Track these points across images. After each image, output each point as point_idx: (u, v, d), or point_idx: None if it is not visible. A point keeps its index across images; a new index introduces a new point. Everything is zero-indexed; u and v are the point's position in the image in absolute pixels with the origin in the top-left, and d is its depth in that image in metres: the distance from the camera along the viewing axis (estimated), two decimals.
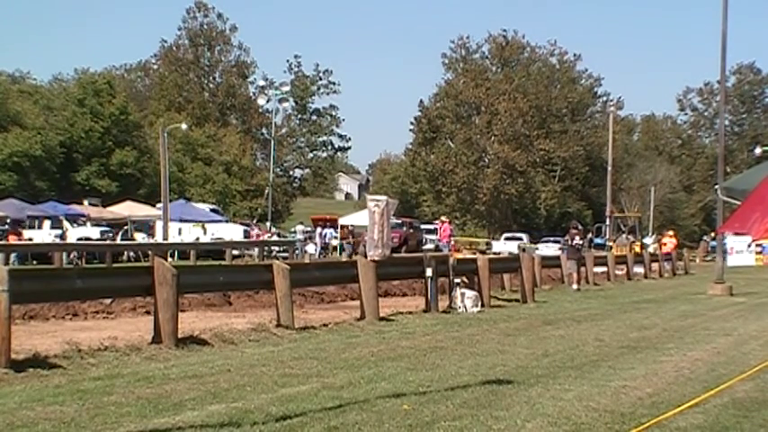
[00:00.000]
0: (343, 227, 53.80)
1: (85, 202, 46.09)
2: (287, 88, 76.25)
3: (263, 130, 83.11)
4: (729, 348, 11.65)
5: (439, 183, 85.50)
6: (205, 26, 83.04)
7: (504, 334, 12.83)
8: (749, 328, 14.58)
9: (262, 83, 77.27)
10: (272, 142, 69.78)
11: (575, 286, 24.53)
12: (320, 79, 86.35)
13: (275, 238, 49.55)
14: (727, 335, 13.30)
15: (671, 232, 50.80)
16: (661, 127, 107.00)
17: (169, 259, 30.62)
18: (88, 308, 15.00)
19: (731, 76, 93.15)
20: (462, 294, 16.76)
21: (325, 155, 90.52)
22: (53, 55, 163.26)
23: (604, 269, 30.39)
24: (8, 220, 38.15)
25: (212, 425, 6.40)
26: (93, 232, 39.67)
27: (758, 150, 59.66)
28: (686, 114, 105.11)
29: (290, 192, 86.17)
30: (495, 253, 47.22)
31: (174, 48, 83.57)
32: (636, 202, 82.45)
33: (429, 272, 16.17)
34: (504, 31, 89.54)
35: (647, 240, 54.80)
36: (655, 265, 35.20)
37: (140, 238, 41.67)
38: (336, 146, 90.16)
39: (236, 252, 39.71)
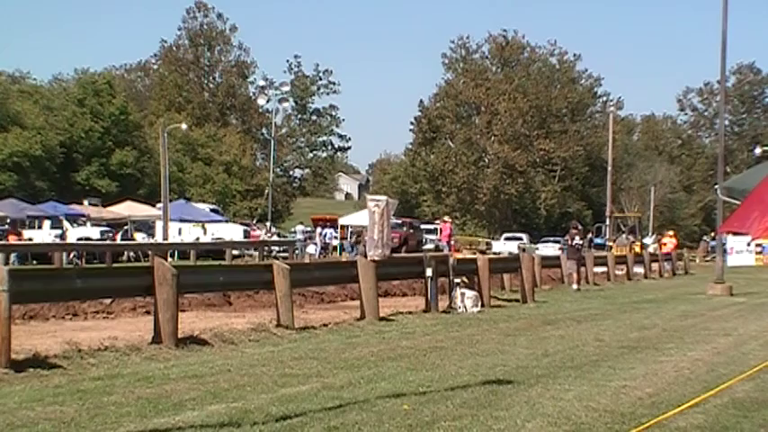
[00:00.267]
0: (343, 227, 53.83)
1: (85, 202, 46.09)
2: (287, 88, 76.32)
3: (263, 130, 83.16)
4: (729, 348, 11.65)
5: (439, 183, 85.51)
6: (205, 26, 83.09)
7: (504, 334, 12.83)
8: (749, 328, 14.58)
9: (262, 83, 77.36)
10: (272, 142, 69.80)
11: (575, 286, 24.53)
12: (320, 79, 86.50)
13: (275, 238, 49.58)
14: (727, 335, 13.30)
15: (671, 232, 50.82)
16: (661, 127, 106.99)
17: (169, 259, 30.62)
18: (88, 308, 15.00)
19: (731, 76, 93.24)
20: (462, 294, 16.76)
21: (325, 155, 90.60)
22: (53, 55, 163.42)
23: (604, 269, 30.38)
24: (8, 220, 38.17)
25: (212, 425, 6.40)
26: (93, 232, 39.68)
27: (758, 150, 59.69)
28: (686, 114, 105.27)
29: (290, 192, 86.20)
30: (495, 253, 47.22)
31: (174, 48, 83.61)
32: (636, 202, 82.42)
33: (429, 272, 16.17)
34: (504, 31, 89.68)
35: (647, 240, 54.78)
36: (655, 266, 35.20)
37: (140, 238, 41.68)
38: (336, 146, 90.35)
39: (236, 252, 39.71)
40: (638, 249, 46.04)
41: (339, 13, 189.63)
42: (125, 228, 42.77)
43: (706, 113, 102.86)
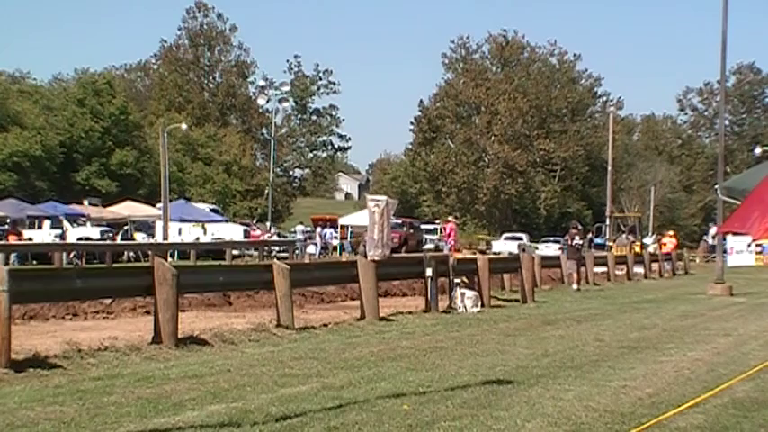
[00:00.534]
0: (343, 227, 53.84)
1: (85, 202, 46.09)
2: (287, 88, 76.31)
3: (263, 130, 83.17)
4: (729, 348, 11.65)
5: (439, 183, 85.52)
6: (205, 26, 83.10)
7: (504, 334, 12.83)
8: (749, 328, 14.58)
9: (262, 83, 77.39)
10: (272, 142, 69.81)
11: (575, 286, 24.53)
12: (320, 79, 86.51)
13: (275, 238, 49.58)
14: (727, 335, 13.30)
15: (671, 232, 50.84)
16: (661, 127, 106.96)
17: (169, 259, 30.62)
18: (88, 308, 15.00)
19: (731, 76, 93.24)
20: (462, 294, 16.76)
21: (325, 155, 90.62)
22: (53, 55, 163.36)
23: (604, 269, 30.38)
24: (8, 220, 38.16)
25: (212, 425, 6.40)
26: (93, 232, 39.68)
27: (758, 150, 59.69)
28: (686, 114, 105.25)
29: (290, 192, 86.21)
30: (495, 253, 47.21)
31: (174, 48, 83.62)
32: (636, 202, 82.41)
33: (429, 272, 16.17)
34: (504, 31, 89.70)
35: (647, 240, 54.79)
36: (655, 266, 35.21)
37: (140, 238, 41.67)
38: (336, 146, 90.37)
39: (236, 252, 39.71)
40: (638, 249, 46.04)
41: (339, 13, 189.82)
42: (125, 228, 42.76)
43: (706, 113, 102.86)
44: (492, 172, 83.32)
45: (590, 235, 58.39)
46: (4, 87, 64.31)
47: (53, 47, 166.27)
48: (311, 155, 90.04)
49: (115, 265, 29.07)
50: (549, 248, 49.81)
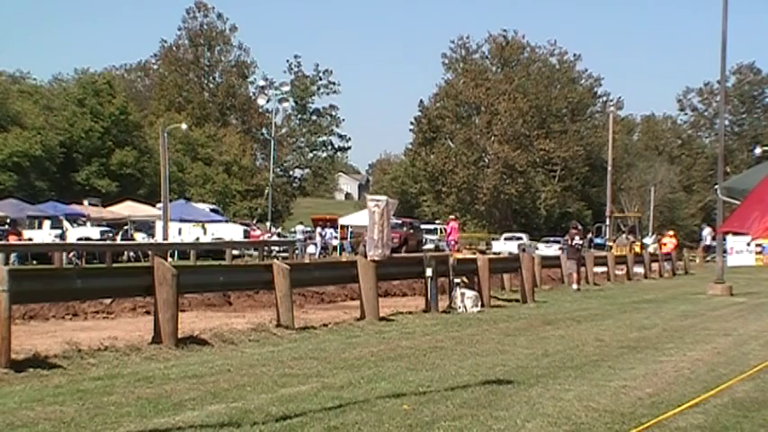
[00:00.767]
0: (343, 227, 53.83)
1: (85, 202, 46.08)
2: (287, 88, 76.32)
3: (263, 130, 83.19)
4: (729, 348, 11.65)
5: (439, 183, 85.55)
6: (205, 26, 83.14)
7: (504, 334, 12.82)
8: (749, 328, 14.58)
9: (262, 83, 77.38)
10: (272, 142, 69.81)
11: (575, 286, 24.52)
12: (320, 79, 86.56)
13: (275, 238, 49.57)
14: (727, 335, 13.30)
15: (671, 232, 50.80)
16: (661, 127, 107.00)
17: (169, 259, 30.63)
18: (88, 308, 15.00)
19: (731, 76, 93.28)
20: (462, 294, 16.75)
21: (325, 155, 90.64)
22: (53, 55, 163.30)
23: (604, 269, 30.36)
24: (8, 220, 38.15)
25: (212, 425, 6.40)
26: (93, 232, 39.68)
27: (758, 150, 59.67)
28: (686, 114, 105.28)
29: (290, 192, 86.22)
30: (495, 253, 47.20)
31: (174, 48, 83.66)
32: (636, 202, 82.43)
33: (429, 272, 16.17)
34: (504, 31, 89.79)
35: (647, 240, 54.76)
36: (655, 265, 35.17)
37: (140, 238, 41.67)
38: (336, 146, 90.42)
39: (236, 252, 39.70)
40: (638, 249, 46.02)
41: (339, 13, 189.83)
42: (125, 228, 42.77)
43: (706, 113, 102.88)
44: (492, 172, 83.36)
45: (590, 235, 58.39)
46: (4, 87, 64.32)
47: (53, 47, 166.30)
48: (311, 155, 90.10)
49: (115, 265, 29.07)
50: (550, 248, 49.77)
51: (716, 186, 25.05)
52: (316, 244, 47.66)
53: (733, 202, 14.35)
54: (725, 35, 24.87)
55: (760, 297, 23.15)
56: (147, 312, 13.39)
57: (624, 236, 52.74)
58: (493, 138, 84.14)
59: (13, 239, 32.80)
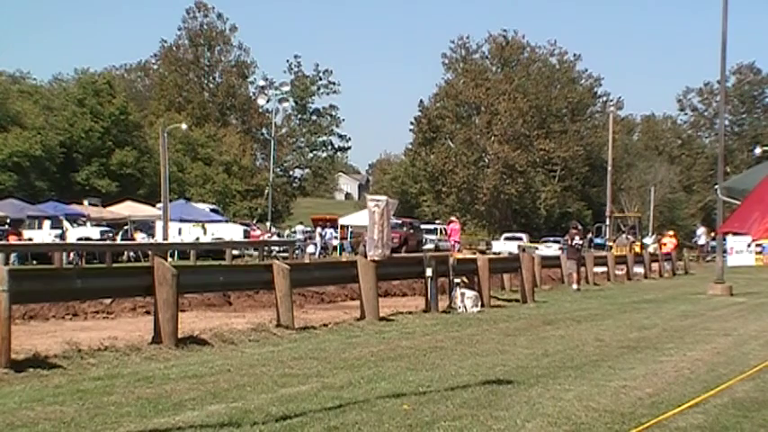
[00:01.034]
0: (343, 227, 53.84)
1: (85, 202, 46.07)
2: (287, 88, 76.31)
3: (263, 130, 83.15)
4: (729, 348, 11.65)
5: (439, 183, 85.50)
6: (205, 26, 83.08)
7: (504, 334, 12.83)
8: (749, 328, 14.58)
9: (262, 83, 77.34)
10: (272, 142, 69.79)
11: (575, 286, 24.52)
12: (320, 79, 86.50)
13: (275, 238, 49.58)
14: (727, 335, 13.30)
15: (671, 232, 50.82)
16: (661, 127, 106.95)
17: (169, 259, 30.62)
18: (88, 308, 15.01)
19: (731, 76, 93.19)
20: (462, 294, 16.76)
21: (325, 155, 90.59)
22: (53, 55, 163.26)
23: (604, 269, 30.37)
24: (8, 220, 38.16)
25: (212, 425, 6.40)
26: (93, 232, 39.68)
27: (758, 150, 59.69)
28: (686, 114, 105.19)
29: (290, 192, 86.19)
30: (495, 253, 47.21)
31: (174, 48, 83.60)
32: (636, 202, 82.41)
33: (429, 272, 16.17)
34: (504, 31, 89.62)
35: (647, 240, 54.78)
36: (655, 265, 35.18)
37: (140, 238, 41.69)
38: (336, 146, 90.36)
39: (236, 252, 39.70)
40: (638, 249, 46.03)
41: (339, 13, 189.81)
42: (125, 228, 42.77)
43: (706, 113, 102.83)
44: (492, 172, 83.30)
45: (590, 235, 58.41)
46: (4, 87, 64.30)
47: (53, 47, 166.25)
48: (311, 155, 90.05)
49: (115, 265, 29.08)
50: (550, 248, 49.78)
51: (716, 186, 25.05)
52: (315, 244, 47.67)
53: (733, 202, 14.34)
54: (725, 35, 24.89)
55: (760, 297, 23.15)
56: (147, 312, 13.39)
57: (624, 236, 52.74)
58: (493, 138, 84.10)
59: (13, 239, 32.84)
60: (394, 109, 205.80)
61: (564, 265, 26.76)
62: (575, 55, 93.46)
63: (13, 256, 30.54)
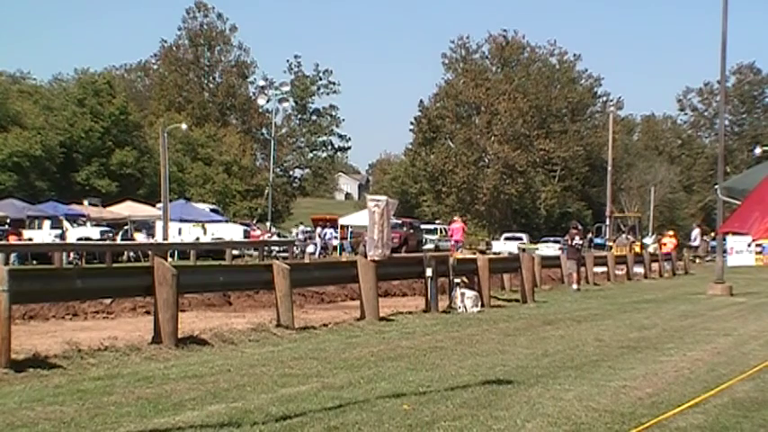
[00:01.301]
0: (343, 227, 53.83)
1: (85, 202, 46.07)
2: (287, 88, 76.28)
3: (263, 130, 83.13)
4: (729, 348, 11.65)
5: (439, 183, 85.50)
6: (205, 26, 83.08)
7: (504, 334, 12.82)
8: (749, 328, 14.58)
9: (262, 83, 77.26)
10: (272, 142, 69.78)
11: (575, 286, 24.51)
12: (320, 79, 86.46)
13: (275, 238, 49.56)
14: (727, 335, 13.30)
15: (671, 232, 50.77)
16: (661, 127, 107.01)
17: (169, 259, 30.62)
18: (88, 308, 15.01)
19: (731, 76, 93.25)
20: (462, 294, 16.75)
21: (325, 155, 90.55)
22: (53, 55, 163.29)
23: (604, 269, 30.37)
24: (8, 220, 38.15)
25: (212, 425, 6.40)
26: (93, 232, 39.69)
27: (758, 150, 59.62)
28: (686, 114, 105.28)
29: (290, 192, 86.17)
30: (495, 253, 47.20)
31: (174, 48, 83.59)
32: (636, 202, 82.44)
33: (429, 272, 16.17)
34: (504, 31, 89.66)
35: (647, 240, 54.77)
36: (655, 265, 35.17)
37: (140, 238, 41.68)
38: (336, 146, 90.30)
39: (236, 252, 39.70)
40: (638, 249, 46.01)
41: (339, 13, 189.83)
42: (125, 228, 42.76)
43: (706, 113, 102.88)
44: (492, 172, 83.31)
45: (590, 235, 58.39)
46: (4, 87, 64.29)
47: (53, 47, 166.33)
48: (311, 155, 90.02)
49: (115, 265, 29.08)
50: (550, 249, 49.77)
51: (716, 186, 25.03)
52: (315, 244, 47.66)
53: (733, 202, 14.33)
54: (725, 35, 24.88)
55: (760, 297, 23.15)
56: (147, 312, 13.39)
57: (624, 236, 52.72)
58: (493, 138, 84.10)
59: (13, 239, 32.83)
60: (394, 109, 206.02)
61: (564, 265, 26.75)
62: (575, 55, 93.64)
63: (13, 256, 30.54)
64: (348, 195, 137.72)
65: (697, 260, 46.93)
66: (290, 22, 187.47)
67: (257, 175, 76.77)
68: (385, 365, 9.41)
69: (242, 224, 51.60)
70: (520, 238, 60.35)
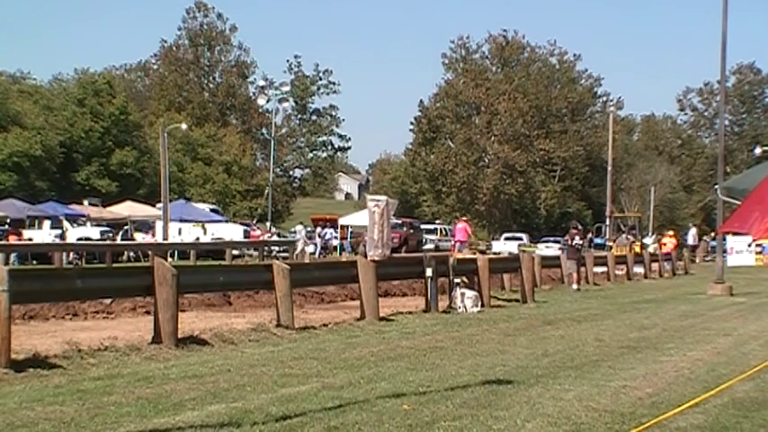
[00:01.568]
0: (343, 227, 53.82)
1: (85, 202, 46.08)
2: (287, 88, 76.27)
3: (263, 130, 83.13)
4: (729, 348, 11.65)
5: (439, 183, 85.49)
6: (205, 26, 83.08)
7: (504, 334, 12.82)
8: (749, 328, 14.58)
9: (262, 83, 77.25)
10: (272, 142, 69.77)
11: (575, 286, 24.51)
12: (320, 79, 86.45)
13: (275, 238, 49.55)
14: (727, 335, 13.30)
15: (671, 232, 50.78)
16: (661, 127, 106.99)
17: (169, 259, 30.62)
18: (88, 308, 15.01)
19: (731, 76, 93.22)
20: (462, 294, 16.75)
21: (325, 155, 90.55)
22: (53, 55, 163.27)
23: (604, 269, 30.37)
24: (8, 220, 38.15)
25: (212, 425, 6.40)
26: (93, 232, 39.69)
27: (758, 150, 59.60)
28: (686, 114, 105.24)
29: (290, 192, 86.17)
30: (495, 253, 47.18)
31: (174, 48, 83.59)
32: (636, 202, 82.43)
33: (429, 272, 16.17)
34: (504, 31, 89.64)
35: (647, 240, 54.76)
36: (655, 265, 35.17)
37: (140, 238, 41.67)
38: (336, 146, 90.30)
39: (236, 252, 39.70)
40: (638, 249, 46.00)
41: (339, 13, 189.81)
42: (125, 228, 42.76)
43: (706, 113, 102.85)
44: (492, 172, 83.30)
45: (590, 235, 58.36)
46: (4, 87, 64.28)
47: (53, 47, 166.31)
48: (311, 155, 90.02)
49: (115, 265, 29.08)
50: (550, 249, 49.77)
51: (716, 186, 25.04)
52: (315, 244, 47.64)
53: (733, 202, 14.34)
54: (725, 35, 24.88)
55: (760, 297, 23.15)
56: (147, 312, 13.39)
57: (624, 236, 52.71)
58: (493, 138, 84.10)
59: (13, 239, 32.82)
60: (394, 109, 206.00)
61: (564, 265, 26.75)
62: (575, 55, 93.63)
63: (13, 256, 30.53)
64: (348, 195, 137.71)
65: (696, 260, 46.93)
66: (290, 22, 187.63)
67: (257, 175, 76.77)
68: (385, 365, 9.41)
69: (242, 224, 51.59)
70: (520, 239, 60.34)
